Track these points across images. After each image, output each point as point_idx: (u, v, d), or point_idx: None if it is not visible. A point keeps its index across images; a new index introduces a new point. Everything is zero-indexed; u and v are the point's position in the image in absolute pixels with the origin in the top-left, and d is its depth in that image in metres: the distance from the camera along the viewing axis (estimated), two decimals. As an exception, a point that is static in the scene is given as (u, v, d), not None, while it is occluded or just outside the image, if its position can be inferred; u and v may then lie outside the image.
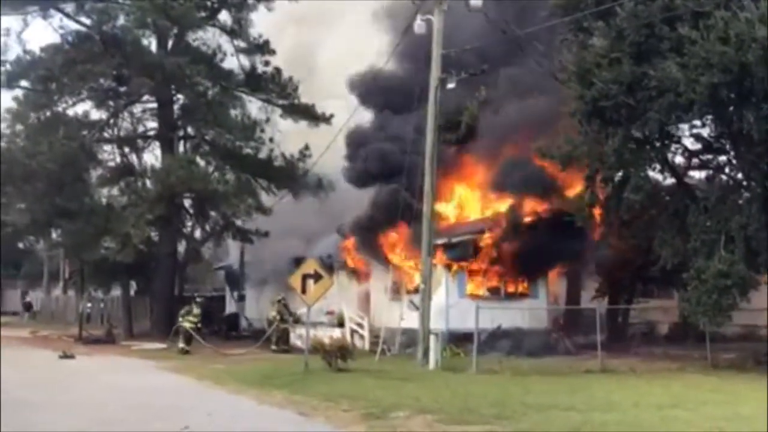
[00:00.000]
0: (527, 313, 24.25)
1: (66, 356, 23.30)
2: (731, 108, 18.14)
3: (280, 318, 26.50)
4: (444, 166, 23.10)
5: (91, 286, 40.14)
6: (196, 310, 26.37)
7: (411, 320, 22.08)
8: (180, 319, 25.91)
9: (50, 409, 13.11)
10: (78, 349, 26.52)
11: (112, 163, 35.49)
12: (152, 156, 35.99)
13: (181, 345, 25.20)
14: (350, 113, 27.21)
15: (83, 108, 32.79)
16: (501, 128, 24.30)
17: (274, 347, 25.80)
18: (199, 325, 26.26)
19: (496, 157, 24.85)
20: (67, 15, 30.93)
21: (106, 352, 26.30)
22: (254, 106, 32.84)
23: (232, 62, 32.99)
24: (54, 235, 37.34)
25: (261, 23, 32.94)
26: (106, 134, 34.13)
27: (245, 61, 33.15)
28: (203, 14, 31.61)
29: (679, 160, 21.37)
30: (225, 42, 32.94)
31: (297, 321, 26.48)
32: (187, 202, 34.34)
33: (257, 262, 34.70)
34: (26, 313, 53.09)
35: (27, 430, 11.26)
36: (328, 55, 37.25)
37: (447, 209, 26.46)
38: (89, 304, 36.47)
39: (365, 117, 28.58)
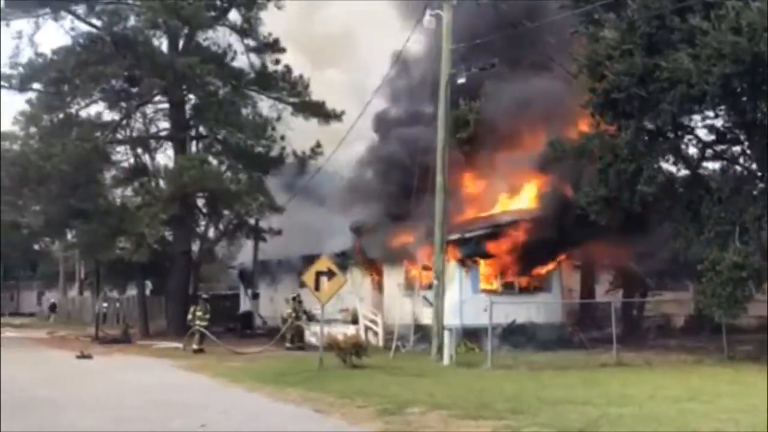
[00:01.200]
0: (541, 307, 24.21)
1: (83, 356, 23.44)
2: (744, 98, 18.04)
3: (295, 316, 26.59)
4: (455, 163, 23.09)
5: (106, 286, 40.47)
6: (207, 308, 26.47)
7: (425, 316, 22.08)
8: (196, 322, 25.85)
9: (71, 407, 13.22)
10: (95, 349, 26.70)
11: (125, 164, 35.78)
12: (165, 156, 36.30)
13: (194, 346, 25.32)
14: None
15: (96, 109, 33.15)
16: (510, 123, 24.25)
17: (288, 345, 25.89)
18: (208, 322, 26.25)
19: (506, 153, 24.80)
20: (78, 17, 31.12)
21: (122, 351, 26.47)
22: (265, 105, 32.96)
23: (243, 61, 33.19)
24: (69, 236, 37.62)
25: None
26: (118, 135, 34.36)
27: (255, 59, 33.28)
28: (213, 14, 31.70)
29: (692, 151, 21.25)
30: (235, 41, 33.10)
31: (311, 318, 26.55)
32: (200, 202, 34.50)
33: (270, 260, 34.88)
34: (52, 314, 53.21)
35: (50, 428, 11.36)
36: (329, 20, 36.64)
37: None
38: (105, 304, 36.76)
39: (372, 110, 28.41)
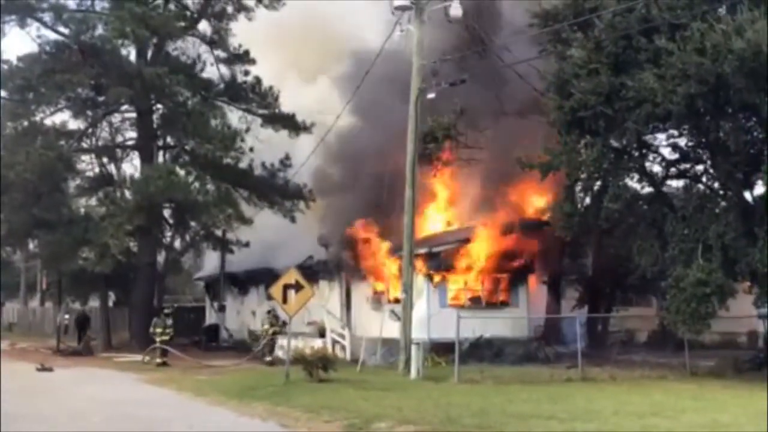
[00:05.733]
0: (508, 322, 24.33)
1: (44, 369, 22.99)
2: (708, 118, 18.42)
3: (273, 331, 25.79)
4: (424, 176, 23.20)
5: (68, 298, 39.75)
6: (168, 322, 26.11)
7: (393, 330, 22.07)
8: (156, 337, 25.52)
9: (32, 422, 12.97)
10: (56, 361, 26.21)
11: (90, 173, 35.20)
12: (131, 166, 35.81)
13: (158, 360, 24.96)
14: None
15: (61, 118, 32.57)
16: (480, 138, 24.46)
17: (269, 358, 25.11)
18: (171, 332, 25.98)
19: (475, 167, 25.01)
20: (45, 24, 30.66)
21: (84, 364, 26.01)
22: (234, 116, 32.70)
23: (212, 72, 32.96)
24: (31, 246, 36.89)
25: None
26: (84, 144, 33.85)
27: (225, 70, 33.11)
28: (183, 24, 31.47)
29: (656, 169, 21.63)
30: (205, 52, 32.89)
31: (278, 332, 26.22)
32: (166, 212, 34.11)
33: (237, 272, 34.66)
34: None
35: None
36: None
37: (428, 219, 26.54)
38: (67, 316, 36.05)
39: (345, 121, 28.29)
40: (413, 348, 19.80)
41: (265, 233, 32.23)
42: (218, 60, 32.95)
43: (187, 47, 32.69)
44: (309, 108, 31.67)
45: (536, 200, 25.61)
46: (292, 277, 19.41)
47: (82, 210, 32.95)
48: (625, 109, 18.23)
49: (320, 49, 33.90)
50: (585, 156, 19.32)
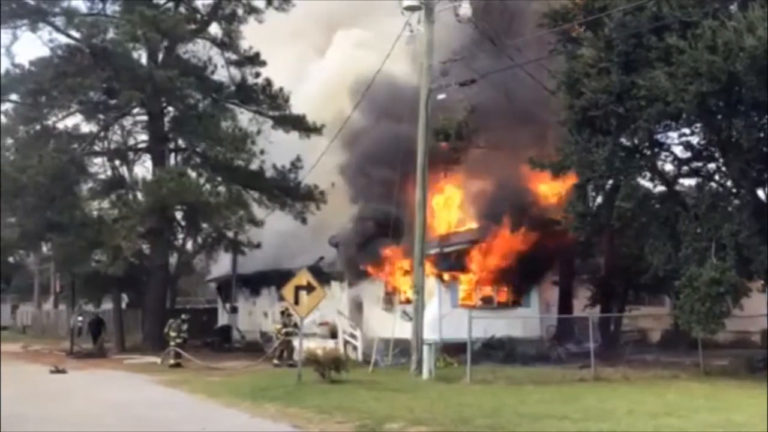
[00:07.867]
0: (520, 322, 24.27)
1: (57, 371, 23.12)
2: (720, 116, 18.30)
3: (288, 332, 25.45)
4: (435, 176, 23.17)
5: (82, 300, 40.00)
6: (184, 327, 26.20)
7: (404, 331, 22.05)
8: (171, 342, 25.67)
9: (46, 423, 13.04)
10: (69, 363, 26.37)
11: (102, 176, 35.39)
12: (143, 168, 36.01)
13: (171, 361, 25.06)
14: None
15: (73, 121, 32.87)
16: (491, 138, 24.41)
17: (276, 362, 24.82)
18: (186, 336, 26.21)
19: (486, 167, 24.93)
20: (57, 28, 30.90)
21: (98, 366, 26.15)
22: (245, 118, 32.79)
23: (223, 74, 33.08)
24: (44, 249, 37.10)
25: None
26: (96, 147, 34.05)
27: (236, 72, 33.20)
28: (193, 27, 31.62)
29: (668, 167, 21.51)
30: (215, 54, 33.00)
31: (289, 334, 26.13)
32: (178, 215, 34.24)
33: (249, 273, 34.75)
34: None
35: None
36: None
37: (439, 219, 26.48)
38: (80, 318, 36.30)
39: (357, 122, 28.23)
40: (425, 348, 19.78)
41: (277, 234, 32.32)
42: (229, 62, 33.07)
43: (198, 50, 32.88)
44: (320, 109, 31.75)
45: (548, 200, 25.50)
46: (304, 278, 19.44)
47: (95, 213, 33.14)
48: (637, 107, 18.16)
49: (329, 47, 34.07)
50: (596, 155, 19.24)
